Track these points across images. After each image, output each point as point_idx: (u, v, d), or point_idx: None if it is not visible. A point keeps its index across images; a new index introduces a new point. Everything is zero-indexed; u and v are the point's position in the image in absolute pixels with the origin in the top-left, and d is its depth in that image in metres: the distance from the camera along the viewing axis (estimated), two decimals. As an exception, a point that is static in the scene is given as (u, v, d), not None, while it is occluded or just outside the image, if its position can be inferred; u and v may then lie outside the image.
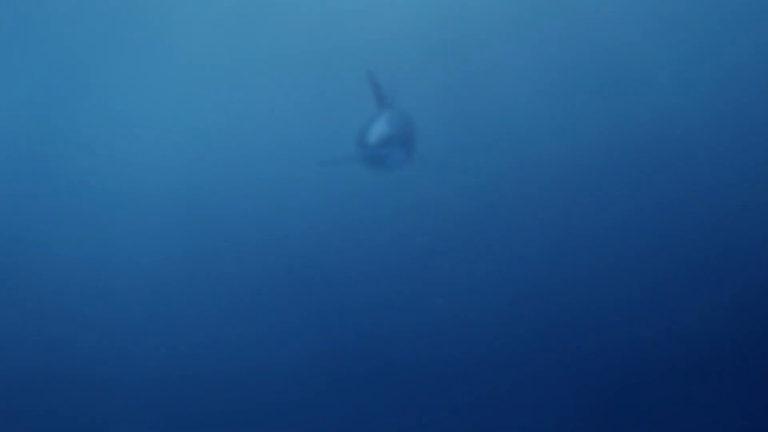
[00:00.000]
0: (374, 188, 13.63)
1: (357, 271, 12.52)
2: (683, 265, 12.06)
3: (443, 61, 15.86)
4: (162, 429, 9.68)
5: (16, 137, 15.82)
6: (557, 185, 14.10)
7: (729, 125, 14.56)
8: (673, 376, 9.91)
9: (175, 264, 13.07)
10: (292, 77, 16.20)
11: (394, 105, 9.63)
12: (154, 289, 12.43)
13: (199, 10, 16.27)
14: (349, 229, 13.60)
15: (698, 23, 15.41)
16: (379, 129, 8.26)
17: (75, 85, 16.30)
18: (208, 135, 16.06)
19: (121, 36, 16.33)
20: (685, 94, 15.35)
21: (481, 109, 15.31)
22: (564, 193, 14.05)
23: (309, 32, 16.37)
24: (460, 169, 13.65)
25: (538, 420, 9.46)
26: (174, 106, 16.36)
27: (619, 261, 12.32)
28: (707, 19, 15.31)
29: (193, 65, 16.51)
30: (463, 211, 13.75)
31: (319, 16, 16.31)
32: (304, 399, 10.03)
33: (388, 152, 8.09)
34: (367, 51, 15.89)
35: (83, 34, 16.14)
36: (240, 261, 13.18)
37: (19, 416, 9.74)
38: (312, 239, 13.46)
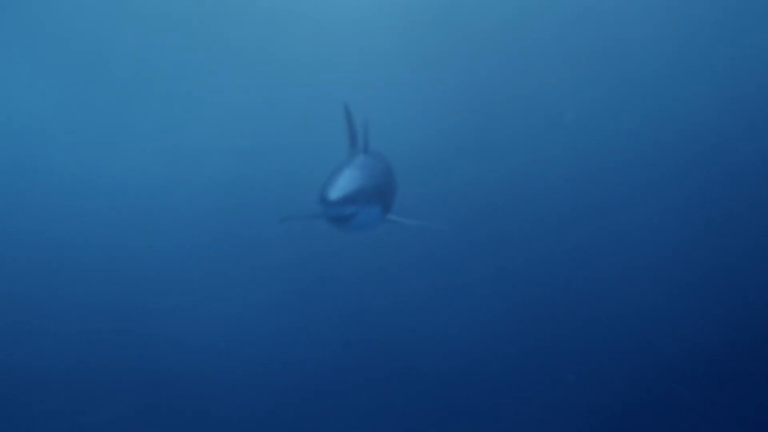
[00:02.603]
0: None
1: (371, 271, 12.51)
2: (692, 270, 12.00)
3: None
4: (169, 428, 9.70)
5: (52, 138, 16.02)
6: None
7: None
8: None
9: (184, 262, 13.16)
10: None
11: (369, 145, 7.81)
12: (165, 287, 12.51)
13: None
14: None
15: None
16: (341, 182, 6.55)
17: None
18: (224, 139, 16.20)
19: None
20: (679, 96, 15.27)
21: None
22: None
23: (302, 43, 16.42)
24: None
25: (549, 424, 9.44)
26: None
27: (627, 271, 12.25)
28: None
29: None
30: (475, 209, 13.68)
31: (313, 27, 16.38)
32: (311, 400, 10.03)
33: (355, 211, 6.47)
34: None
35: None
36: (252, 259, 13.22)
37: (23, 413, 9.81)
38: (326, 238, 13.41)
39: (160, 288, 12.53)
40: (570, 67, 15.78)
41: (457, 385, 10.15)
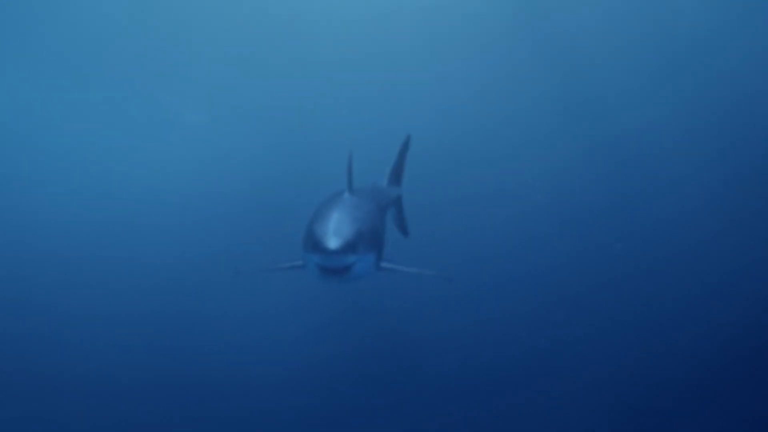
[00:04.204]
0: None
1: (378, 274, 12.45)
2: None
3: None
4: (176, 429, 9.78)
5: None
6: None
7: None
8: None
9: (191, 264, 13.19)
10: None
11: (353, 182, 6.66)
12: (169, 291, 12.55)
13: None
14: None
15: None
16: (336, 226, 5.57)
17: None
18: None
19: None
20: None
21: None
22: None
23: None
24: None
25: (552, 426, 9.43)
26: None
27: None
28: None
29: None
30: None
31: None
32: (316, 403, 10.05)
33: (354, 261, 5.52)
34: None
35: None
36: (257, 263, 13.22)
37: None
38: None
39: (166, 292, 12.55)
40: (585, 65, 15.68)
41: (463, 388, 10.16)
